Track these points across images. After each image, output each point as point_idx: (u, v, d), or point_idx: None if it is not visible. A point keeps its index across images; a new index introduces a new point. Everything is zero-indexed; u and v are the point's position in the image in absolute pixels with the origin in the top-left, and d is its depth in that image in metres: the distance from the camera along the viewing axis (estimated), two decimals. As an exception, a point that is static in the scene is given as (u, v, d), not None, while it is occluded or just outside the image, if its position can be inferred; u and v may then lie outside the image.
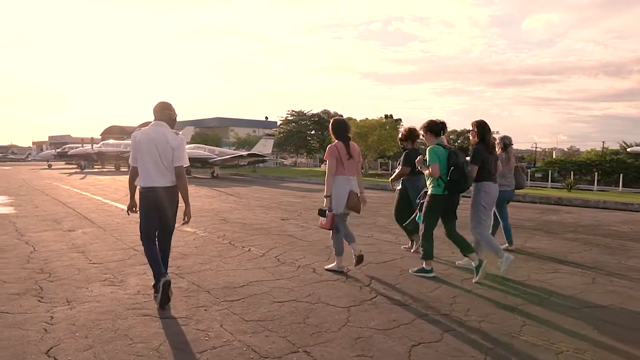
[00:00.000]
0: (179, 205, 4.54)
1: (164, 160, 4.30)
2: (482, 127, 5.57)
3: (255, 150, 29.65)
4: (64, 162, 44.32)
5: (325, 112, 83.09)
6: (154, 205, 4.35)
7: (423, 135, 5.57)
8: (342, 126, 5.53)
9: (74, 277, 5.22)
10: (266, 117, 63.76)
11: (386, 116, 52.40)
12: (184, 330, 3.77)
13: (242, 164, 27.94)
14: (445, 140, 5.38)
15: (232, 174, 30.02)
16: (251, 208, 11.97)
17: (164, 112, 4.48)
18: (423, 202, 5.50)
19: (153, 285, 4.43)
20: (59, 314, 4.09)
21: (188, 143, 28.34)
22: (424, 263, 5.43)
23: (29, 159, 70.72)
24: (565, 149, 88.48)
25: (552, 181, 29.38)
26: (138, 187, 4.38)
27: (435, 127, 5.36)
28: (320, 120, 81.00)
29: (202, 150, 26.94)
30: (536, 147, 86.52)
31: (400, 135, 6.79)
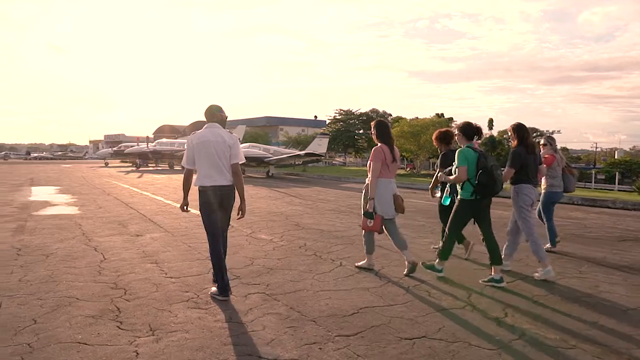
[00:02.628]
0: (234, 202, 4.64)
1: (222, 160, 4.46)
2: (520, 130, 5.54)
3: (310, 149, 28.91)
4: (119, 160, 45.36)
5: (374, 111, 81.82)
6: (217, 203, 4.47)
7: (456, 136, 5.41)
8: (385, 128, 5.47)
9: (152, 296, 4.51)
10: (315, 116, 63.27)
11: (437, 115, 50.73)
12: (304, 382, 2.93)
13: (297, 163, 27.28)
14: (476, 144, 5.20)
15: (286, 174, 29.43)
16: (321, 212, 11.12)
17: (216, 114, 4.65)
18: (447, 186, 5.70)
19: (214, 281, 4.63)
20: (145, 347, 3.35)
21: (241, 142, 28.00)
22: (437, 262, 5.32)
23: (87, 157, 73.57)
24: (628, 149, 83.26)
25: (618, 183, 27.14)
26: (197, 187, 4.49)
27: (469, 130, 5.20)
28: (369, 120, 79.95)
29: (257, 149, 26.43)
30: (596, 147, 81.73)
31: (434, 137, 6.55)
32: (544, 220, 6.88)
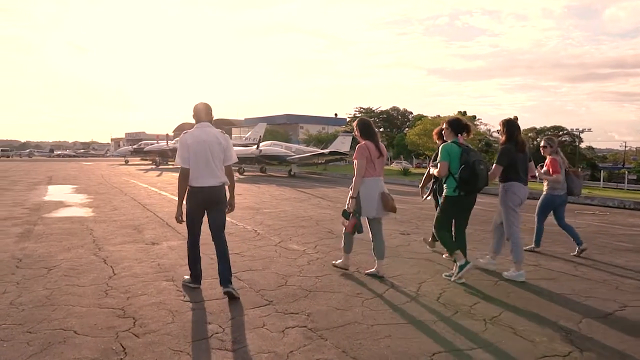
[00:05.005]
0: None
1: (216, 161, 4.41)
2: (510, 126, 5.36)
3: (333, 147, 27.95)
4: (139, 158, 45.07)
5: (395, 109, 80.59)
6: (202, 204, 4.46)
7: (443, 130, 5.31)
8: (368, 126, 5.34)
9: (167, 329, 3.61)
10: (335, 114, 62.10)
11: (460, 112, 49.28)
12: None
13: (320, 162, 26.32)
14: (462, 140, 5.08)
15: (308, 173, 28.47)
16: (353, 216, 10.11)
17: (209, 113, 4.58)
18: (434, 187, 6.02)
19: (190, 276, 4.71)
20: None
21: (262, 140, 27.23)
22: (456, 260, 5.02)
23: (108, 155, 73.98)
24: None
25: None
26: (187, 187, 4.41)
27: (457, 125, 5.12)
28: (390, 117, 78.62)
29: (279, 148, 25.55)
30: (625, 146, 78.77)
31: (434, 132, 6.38)
32: (537, 217, 6.80)
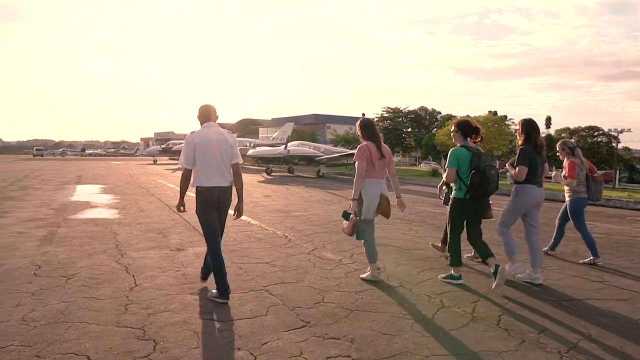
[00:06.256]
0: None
1: (224, 160, 4.35)
2: (529, 127, 5.23)
3: (361, 147, 27.31)
4: (167, 158, 45.39)
5: (423, 108, 79.28)
6: (212, 204, 4.35)
7: (452, 133, 5.18)
8: (370, 126, 5.20)
9: (192, 356, 3.16)
10: (363, 114, 61.37)
11: (490, 112, 47.95)
12: None
13: (348, 162, 25.72)
14: (471, 143, 5.00)
15: (336, 173, 27.93)
16: (389, 221, 9.42)
17: (214, 113, 4.53)
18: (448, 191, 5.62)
19: (202, 278, 4.73)
20: None
21: (289, 140, 26.82)
22: (452, 269, 5.03)
23: (137, 154, 75.15)
24: (697, 149, 76.95)
25: None
26: (196, 187, 4.33)
27: (466, 127, 5.03)
28: (417, 117, 77.35)
29: (307, 148, 25.08)
30: (670, 147, 75.66)
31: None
32: (576, 228, 6.35)
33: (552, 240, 6.68)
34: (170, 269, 5.37)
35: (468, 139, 5.01)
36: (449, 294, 4.65)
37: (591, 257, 6.17)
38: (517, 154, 5.18)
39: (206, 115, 4.48)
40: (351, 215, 4.90)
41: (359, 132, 5.23)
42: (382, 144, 5.14)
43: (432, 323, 3.85)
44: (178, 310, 4.04)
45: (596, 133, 66.32)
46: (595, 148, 60.42)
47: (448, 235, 5.18)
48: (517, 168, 5.12)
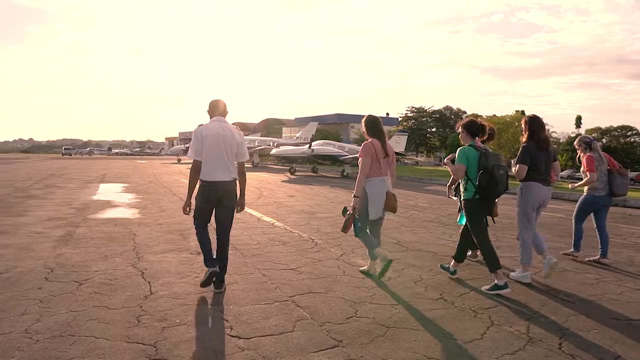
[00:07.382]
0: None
1: (229, 155, 4.35)
2: (532, 123, 5.11)
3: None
4: (191, 157, 45.54)
5: (448, 108, 77.97)
6: (213, 201, 4.36)
7: (459, 132, 5.07)
8: (376, 123, 5.16)
9: (208, 382, 2.73)
10: (387, 114, 60.76)
11: (518, 112, 46.78)
12: None
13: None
14: (479, 142, 4.93)
15: (360, 174, 27.40)
16: (421, 224, 9.00)
17: (225, 109, 4.53)
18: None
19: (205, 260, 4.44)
20: None
21: (313, 139, 26.42)
22: (495, 278, 4.57)
23: (162, 153, 76.01)
24: None
25: None
26: (199, 180, 4.32)
27: (473, 127, 4.92)
28: (442, 117, 76.10)
29: (332, 147, 24.62)
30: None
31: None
32: (597, 229, 6.12)
33: (600, 246, 6.13)
34: (189, 274, 4.99)
35: (476, 137, 4.92)
36: (497, 308, 4.14)
37: (571, 250, 6.28)
38: (519, 152, 5.07)
39: (215, 108, 4.50)
40: (348, 212, 4.81)
41: (364, 129, 5.19)
42: (387, 142, 5.12)
43: (483, 345, 3.35)
44: (198, 324, 3.63)
45: (629, 133, 63.96)
46: (629, 148, 58.21)
47: (475, 241, 4.89)
48: (516, 166, 4.98)
